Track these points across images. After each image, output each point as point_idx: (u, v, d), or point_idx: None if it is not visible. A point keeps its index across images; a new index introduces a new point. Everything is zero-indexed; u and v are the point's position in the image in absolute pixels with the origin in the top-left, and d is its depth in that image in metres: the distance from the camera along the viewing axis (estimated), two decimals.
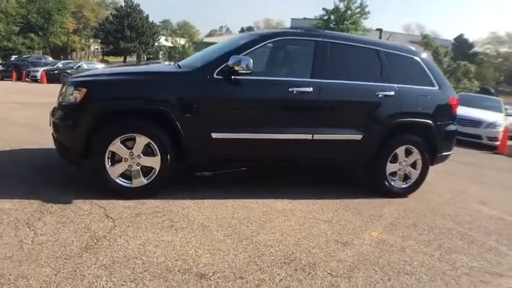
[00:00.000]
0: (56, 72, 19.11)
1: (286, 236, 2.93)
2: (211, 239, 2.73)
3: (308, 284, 2.32)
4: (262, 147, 3.55)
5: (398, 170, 4.17)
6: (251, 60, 3.23)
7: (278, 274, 2.37)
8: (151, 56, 45.47)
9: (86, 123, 3.14)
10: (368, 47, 4.00)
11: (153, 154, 3.27)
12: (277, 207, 3.48)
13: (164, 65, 4.08)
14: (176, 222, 2.93)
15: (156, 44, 42.97)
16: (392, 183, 4.17)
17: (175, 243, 2.60)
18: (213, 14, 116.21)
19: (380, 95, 3.89)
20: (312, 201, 3.73)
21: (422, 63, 4.26)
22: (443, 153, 4.41)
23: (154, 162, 3.28)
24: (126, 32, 42.33)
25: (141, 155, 3.24)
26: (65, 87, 3.38)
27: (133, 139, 3.21)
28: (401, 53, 4.19)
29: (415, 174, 4.24)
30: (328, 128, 3.73)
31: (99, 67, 21.48)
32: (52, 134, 3.47)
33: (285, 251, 2.68)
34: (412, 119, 4.07)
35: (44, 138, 5.30)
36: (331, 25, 26.99)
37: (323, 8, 28.02)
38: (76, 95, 3.15)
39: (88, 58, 48.70)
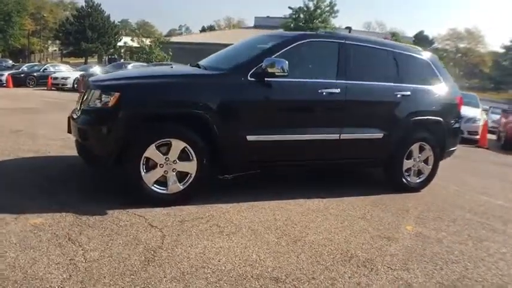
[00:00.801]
0: (22, 75, 17.98)
1: (333, 234, 2.97)
2: (266, 242, 2.71)
3: (375, 278, 2.37)
4: (293, 148, 3.57)
5: (413, 166, 4.34)
6: (287, 63, 3.24)
7: (344, 272, 2.41)
8: (113, 57, 43.98)
9: (120, 129, 3.00)
10: (384, 48, 4.14)
11: (188, 159, 3.19)
12: (311, 207, 3.52)
13: (191, 67, 3.96)
14: (224, 228, 2.88)
15: (123, 43, 41.50)
16: (408, 179, 4.34)
17: (234, 249, 2.56)
18: (172, 13, 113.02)
19: (398, 95, 4.04)
20: (339, 200, 3.80)
21: (431, 63, 4.47)
22: (451, 149, 4.65)
23: (190, 167, 3.20)
24: (87, 32, 40.66)
25: (177, 160, 3.16)
26: (90, 91, 3.22)
27: (169, 144, 3.12)
28: (412, 54, 4.37)
29: (427, 169, 4.43)
30: (353, 128, 3.83)
31: (64, 69, 20.50)
32: (76, 140, 3.30)
33: (339, 249, 2.73)
34: (426, 117, 4.25)
35: (40, 145, 5.01)
36: (301, 24, 27.27)
37: (289, 7, 28.30)
38: (107, 100, 3.00)
39: (47, 60, 46.21)
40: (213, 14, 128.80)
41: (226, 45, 4.66)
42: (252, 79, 3.31)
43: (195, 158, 3.19)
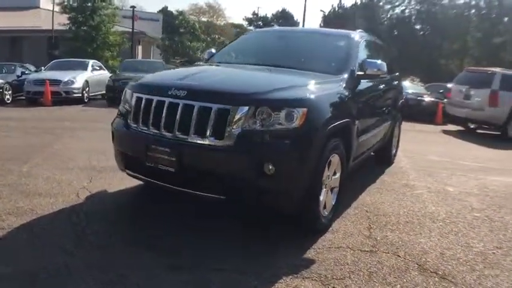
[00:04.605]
0: None
1: (451, 207, 3.54)
2: (440, 228, 3.03)
3: None
4: (369, 143, 3.80)
5: (393, 142, 5.33)
6: (385, 64, 3.40)
7: None
8: None
9: (312, 153, 2.46)
10: (378, 42, 4.77)
11: (334, 173, 2.93)
12: (394, 191, 3.92)
13: (294, 71, 3.30)
14: (408, 228, 2.97)
15: None
16: (393, 153, 5.31)
17: (448, 243, 2.75)
18: None
19: (393, 84, 4.83)
20: (394, 181, 4.34)
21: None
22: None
23: (337, 181, 2.96)
24: None
25: (331, 177, 2.85)
26: (247, 109, 2.35)
27: (329, 161, 2.76)
28: (384, 45, 5.25)
29: (396, 142, 5.51)
30: (386, 119, 4.40)
31: None
32: (217, 183, 2.37)
33: (481, 218, 3.33)
34: (402, 100, 5.28)
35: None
36: (85, 4, 24.39)
37: None
38: (292, 118, 2.35)
39: None
40: None
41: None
42: (357, 81, 3.29)
43: (340, 170, 2.96)
